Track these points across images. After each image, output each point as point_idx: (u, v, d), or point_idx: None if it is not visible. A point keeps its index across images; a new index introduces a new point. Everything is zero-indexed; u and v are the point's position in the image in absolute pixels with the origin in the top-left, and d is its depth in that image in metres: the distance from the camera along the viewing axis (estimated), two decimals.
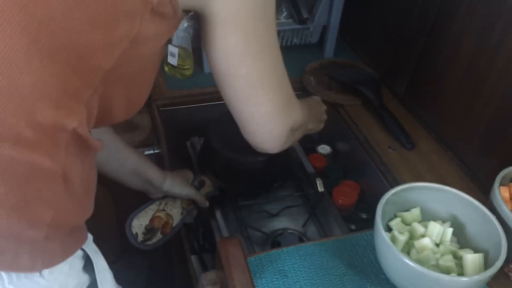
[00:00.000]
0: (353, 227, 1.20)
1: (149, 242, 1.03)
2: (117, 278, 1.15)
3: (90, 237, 0.77)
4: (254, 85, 0.70)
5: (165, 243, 1.06)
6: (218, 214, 1.18)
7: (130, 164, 0.97)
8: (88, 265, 0.73)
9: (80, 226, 0.71)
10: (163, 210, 1.06)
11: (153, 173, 1.01)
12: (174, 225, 1.08)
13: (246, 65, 0.68)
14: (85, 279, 0.72)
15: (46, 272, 0.65)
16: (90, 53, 0.56)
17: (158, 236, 1.05)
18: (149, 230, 1.03)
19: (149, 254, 1.38)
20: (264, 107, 0.73)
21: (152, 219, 1.05)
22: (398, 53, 1.39)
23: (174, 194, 1.07)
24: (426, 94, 1.30)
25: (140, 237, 1.02)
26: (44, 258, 0.65)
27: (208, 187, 1.15)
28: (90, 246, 0.74)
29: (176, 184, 1.06)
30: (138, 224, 1.03)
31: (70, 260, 0.68)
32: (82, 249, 0.71)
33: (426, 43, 1.28)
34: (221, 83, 0.71)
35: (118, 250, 1.35)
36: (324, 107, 1.12)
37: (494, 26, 1.05)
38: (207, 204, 1.13)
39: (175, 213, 1.09)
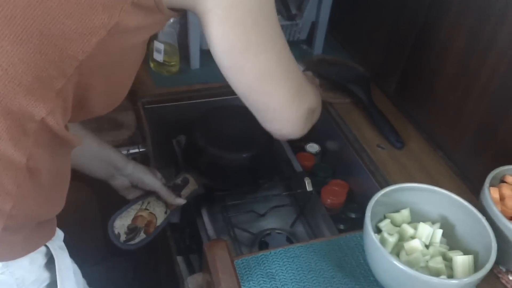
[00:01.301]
0: (341, 227, 1.18)
1: (132, 242, 1.01)
2: (102, 279, 1.13)
3: (59, 234, 0.76)
4: (262, 77, 0.69)
5: (149, 243, 1.04)
6: (205, 214, 1.16)
7: (90, 147, 0.95)
8: (52, 262, 0.72)
9: (48, 222, 0.69)
10: (146, 209, 1.05)
11: (114, 154, 1.00)
12: (158, 224, 1.06)
13: (250, 59, 0.67)
14: (45, 276, 0.71)
15: (0, 265, 0.64)
16: (65, 41, 0.55)
17: (142, 235, 1.03)
18: (132, 230, 1.01)
19: (134, 254, 1.36)
20: (277, 97, 0.73)
21: (134, 219, 1.03)
22: (388, 50, 1.38)
23: (138, 178, 1.04)
24: (416, 92, 1.29)
25: (123, 237, 1.01)
26: (2, 250, 0.64)
27: (192, 185, 1.13)
28: (57, 243, 0.73)
29: (140, 170, 1.04)
30: (121, 224, 1.01)
31: (31, 255, 0.68)
32: (47, 246, 0.70)
33: (416, 40, 1.27)
34: (230, 78, 0.70)
35: (103, 251, 1.33)
36: (317, 81, 1.17)
37: (485, 25, 1.04)
38: (177, 201, 1.08)
39: (159, 212, 1.07)
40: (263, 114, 0.76)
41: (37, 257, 0.70)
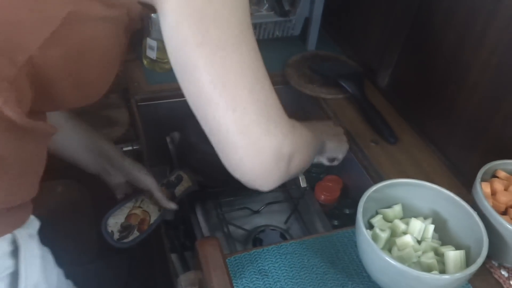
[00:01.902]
0: (336, 222, 1.18)
1: (125, 240, 1.02)
2: (96, 277, 1.13)
3: (34, 223, 0.74)
4: (216, 82, 0.58)
5: (143, 240, 1.04)
6: (199, 211, 1.16)
7: (78, 138, 0.94)
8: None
9: (16, 209, 0.67)
10: (140, 207, 1.05)
11: (107, 145, 0.98)
12: (151, 222, 1.06)
13: (205, 56, 0.57)
14: (9, 263, 0.69)
15: None
16: (15, 30, 0.53)
17: (135, 233, 1.03)
18: (125, 228, 1.02)
19: (129, 253, 1.36)
20: (231, 112, 0.60)
21: (128, 217, 1.03)
22: (381, 46, 1.38)
23: (134, 175, 1.03)
24: (409, 87, 1.29)
25: (116, 235, 1.01)
26: None
27: (186, 183, 1.13)
28: (27, 231, 0.71)
29: (137, 167, 1.02)
30: (114, 222, 1.01)
31: None
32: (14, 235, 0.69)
33: (409, 36, 1.27)
34: (181, 82, 0.62)
35: (97, 249, 1.33)
36: (340, 128, 1.11)
37: (477, 19, 1.04)
38: (170, 205, 1.06)
39: (152, 210, 1.07)
40: (214, 137, 0.64)
41: (2, 244, 0.68)
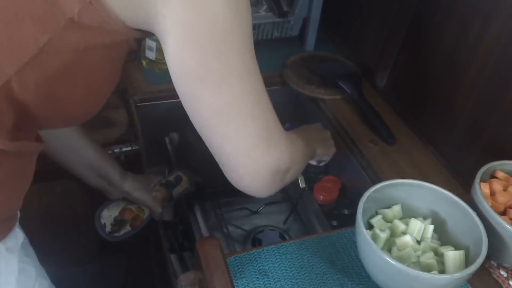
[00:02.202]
0: (334, 223, 1.19)
1: (116, 234, 1.03)
2: (95, 277, 1.13)
3: (18, 236, 0.73)
4: (220, 113, 0.61)
5: (136, 238, 1.05)
6: (198, 212, 1.16)
7: (86, 156, 0.94)
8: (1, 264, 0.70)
9: None
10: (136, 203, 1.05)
11: (111, 170, 0.98)
12: (144, 218, 1.07)
13: (208, 90, 0.59)
14: None
15: None
16: None
17: (127, 228, 1.04)
18: (118, 222, 1.03)
19: (127, 253, 1.36)
20: (234, 139, 0.63)
21: (122, 211, 1.04)
22: (379, 46, 1.38)
23: (133, 197, 1.05)
24: (407, 88, 1.30)
25: (108, 228, 1.02)
26: None
27: (184, 184, 1.13)
28: (6, 245, 0.70)
29: (136, 188, 1.03)
30: (108, 215, 1.02)
31: None
32: None
33: (407, 36, 1.27)
34: (186, 107, 0.63)
35: (95, 250, 1.33)
36: (328, 132, 1.10)
37: (474, 20, 1.04)
38: (164, 218, 1.09)
39: (148, 209, 1.07)
40: (218, 157, 0.67)
41: None
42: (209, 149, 0.67)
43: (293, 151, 0.72)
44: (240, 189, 0.71)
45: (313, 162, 1.13)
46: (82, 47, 0.56)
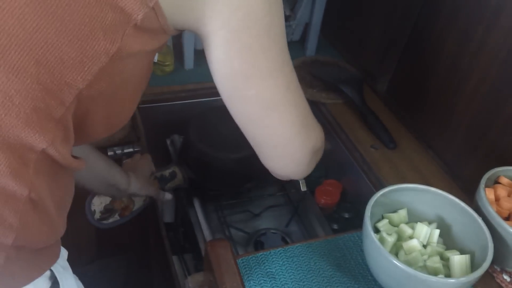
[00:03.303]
0: (335, 226, 1.20)
1: (105, 222, 1.04)
2: (94, 279, 1.12)
3: (63, 253, 0.73)
4: (266, 106, 0.64)
5: (120, 226, 1.07)
6: (200, 214, 1.17)
7: (99, 171, 0.95)
8: (56, 285, 0.69)
9: (51, 246, 0.67)
10: None
11: (119, 178, 0.99)
12: (134, 209, 1.08)
13: (255, 86, 0.62)
14: None
15: None
16: (64, 69, 0.52)
17: (115, 217, 1.05)
18: (108, 210, 1.04)
19: (127, 254, 1.36)
20: (280, 129, 0.66)
21: (113, 200, 1.04)
22: (380, 51, 1.39)
23: (139, 195, 1.06)
24: (408, 93, 1.31)
25: (97, 215, 1.03)
26: (6, 282, 0.61)
27: (178, 180, 1.15)
28: (60, 264, 0.70)
29: (140, 187, 1.04)
30: (99, 202, 1.03)
31: (35, 281, 0.65)
32: (50, 270, 0.68)
33: (408, 42, 1.28)
34: (230, 106, 0.66)
35: (95, 251, 1.32)
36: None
37: (476, 26, 1.05)
38: (165, 198, 1.11)
39: (138, 200, 1.09)
40: (264, 150, 0.70)
41: (41, 282, 0.67)
42: (253, 144, 0.70)
43: (322, 131, 0.77)
44: (283, 177, 0.75)
45: None
46: (140, 52, 0.57)
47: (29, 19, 0.49)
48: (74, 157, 0.64)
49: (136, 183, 1.03)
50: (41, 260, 0.65)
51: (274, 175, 0.75)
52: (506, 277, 0.89)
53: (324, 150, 1.18)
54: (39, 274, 0.66)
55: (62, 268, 0.71)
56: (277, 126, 0.66)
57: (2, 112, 0.51)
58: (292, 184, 1.26)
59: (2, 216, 0.55)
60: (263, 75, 0.61)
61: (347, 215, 1.23)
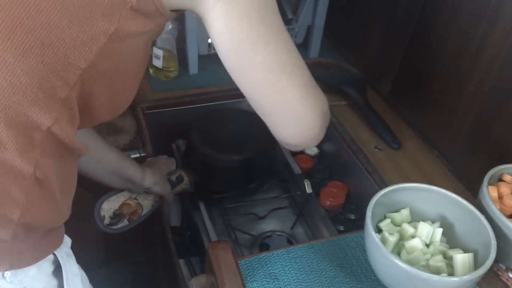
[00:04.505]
0: (341, 228, 1.19)
1: (114, 227, 1.04)
2: (103, 283, 1.13)
3: (67, 241, 0.76)
4: (274, 70, 0.65)
5: (128, 230, 1.07)
6: (206, 217, 1.17)
7: (110, 163, 0.96)
8: (59, 270, 0.72)
9: (57, 229, 0.70)
10: (135, 199, 1.07)
11: (133, 172, 1.00)
12: (142, 214, 1.08)
13: (259, 52, 0.63)
14: (53, 284, 0.71)
15: (8, 273, 0.64)
16: (67, 50, 0.55)
17: (124, 222, 1.06)
18: (117, 215, 1.04)
19: (135, 258, 1.37)
20: (291, 91, 0.66)
21: (122, 205, 1.06)
22: (383, 53, 1.39)
23: (152, 191, 1.07)
24: (411, 93, 1.31)
25: (106, 221, 1.04)
26: (12, 259, 0.64)
27: (184, 184, 1.15)
28: (64, 250, 0.73)
29: (155, 182, 1.05)
30: (108, 207, 1.04)
31: (39, 263, 0.68)
32: (54, 254, 0.70)
33: (410, 43, 1.28)
34: (239, 78, 0.67)
35: (103, 255, 1.34)
36: None
37: (477, 26, 1.05)
38: (171, 200, 1.13)
39: (146, 205, 1.10)
40: (276, 118, 0.71)
41: (45, 265, 0.70)
42: (264, 115, 0.70)
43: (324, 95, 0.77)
44: (297, 146, 0.76)
45: None
46: (136, 34, 0.60)
47: (31, 1, 0.53)
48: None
49: (151, 177, 1.04)
50: (45, 243, 0.68)
51: (287, 146, 0.75)
52: (511, 275, 0.89)
53: (328, 151, 1.19)
54: (44, 256, 0.68)
55: (66, 255, 0.73)
56: (287, 89, 0.66)
57: (10, 91, 0.54)
58: (296, 186, 1.27)
59: (10, 192, 0.59)
60: (265, 40, 0.63)
61: (353, 217, 1.23)
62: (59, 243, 0.71)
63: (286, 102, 0.68)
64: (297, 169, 1.28)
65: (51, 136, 0.59)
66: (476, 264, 0.82)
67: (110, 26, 0.56)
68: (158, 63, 1.35)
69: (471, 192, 1.07)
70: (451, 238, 0.89)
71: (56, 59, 0.55)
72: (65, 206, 0.69)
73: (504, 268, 0.90)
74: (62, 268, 0.71)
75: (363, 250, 0.91)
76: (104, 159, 0.94)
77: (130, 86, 0.69)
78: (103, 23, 0.56)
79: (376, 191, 0.87)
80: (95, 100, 0.63)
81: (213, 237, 1.12)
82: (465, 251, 0.84)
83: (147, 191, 1.07)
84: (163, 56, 1.34)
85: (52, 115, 0.57)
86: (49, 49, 0.54)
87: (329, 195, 1.23)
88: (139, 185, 1.03)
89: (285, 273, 0.87)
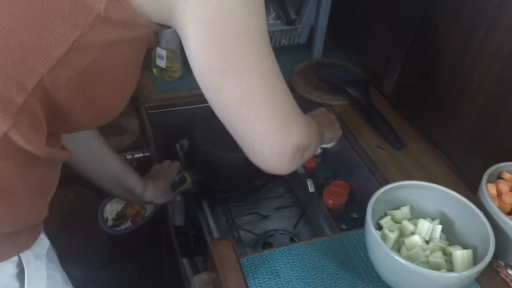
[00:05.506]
0: (344, 227, 1.20)
1: (117, 228, 1.06)
2: (107, 283, 1.14)
3: (45, 242, 0.74)
4: (242, 101, 0.63)
5: (132, 232, 1.08)
6: (209, 216, 1.18)
7: (112, 170, 0.97)
8: (23, 274, 0.70)
9: (23, 232, 0.67)
10: None
11: (134, 183, 1.01)
12: (145, 215, 1.10)
13: (229, 80, 0.61)
14: (14, 285, 0.69)
15: None
16: (23, 54, 0.53)
17: (128, 224, 1.07)
18: (120, 217, 1.06)
19: (139, 258, 1.38)
20: (258, 124, 0.66)
21: (125, 207, 1.07)
22: (385, 52, 1.40)
23: (156, 203, 1.08)
24: (414, 93, 1.32)
25: (110, 222, 1.05)
26: None
27: (187, 185, 1.17)
28: (34, 252, 0.71)
29: (157, 196, 1.06)
30: (111, 209, 1.05)
31: (2, 264, 0.66)
32: (19, 256, 0.69)
33: (413, 42, 1.29)
34: (209, 99, 0.66)
35: (108, 255, 1.35)
36: (333, 115, 1.14)
37: (479, 25, 1.06)
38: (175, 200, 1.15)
39: (149, 205, 1.11)
40: (244, 143, 0.70)
41: (7, 266, 0.68)
42: (235, 137, 0.70)
43: (310, 131, 0.76)
44: (267, 171, 0.74)
45: (323, 145, 1.16)
46: (110, 43, 0.57)
47: None
48: (63, 148, 0.66)
49: (152, 192, 1.05)
50: (9, 246, 0.66)
51: (257, 166, 0.75)
52: (510, 272, 0.89)
53: (331, 151, 1.20)
54: (8, 257, 0.67)
55: (34, 257, 0.71)
56: (254, 121, 0.66)
57: None
58: (300, 185, 1.28)
59: None
60: (237, 70, 0.61)
61: (355, 215, 1.23)
62: (27, 245, 0.69)
63: (253, 133, 0.67)
64: (300, 169, 1.29)
65: (8, 141, 0.56)
66: (475, 261, 0.82)
67: (72, 33, 0.54)
68: (161, 63, 1.36)
69: (474, 191, 1.07)
70: (450, 235, 0.90)
71: (11, 63, 0.53)
72: (36, 208, 0.68)
73: (503, 264, 0.91)
74: (25, 271, 0.69)
75: (364, 248, 0.92)
76: (107, 166, 0.95)
77: (113, 95, 0.67)
78: (64, 29, 0.54)
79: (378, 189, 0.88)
80: (66, 108, 0.61)
81: (217, 236, 1.13)
82: (465, 247, 0.85)
83: (148, 203, 1.08)
84: (167, 56, 1.35)
85: (7, 121, 0.55)
86: (4, 53, 0.53)
87: (332, 194, 1.24)
88: (139, 198, 1.03)
89: (286, 270, 0.87)
